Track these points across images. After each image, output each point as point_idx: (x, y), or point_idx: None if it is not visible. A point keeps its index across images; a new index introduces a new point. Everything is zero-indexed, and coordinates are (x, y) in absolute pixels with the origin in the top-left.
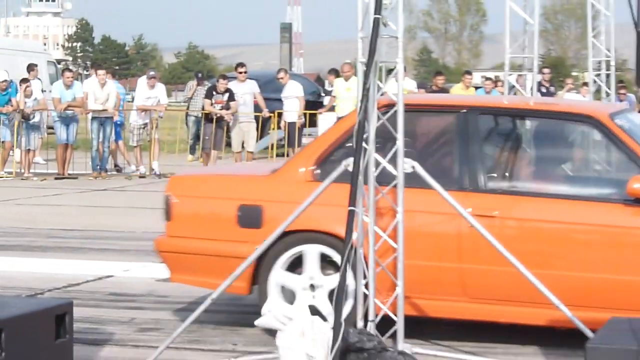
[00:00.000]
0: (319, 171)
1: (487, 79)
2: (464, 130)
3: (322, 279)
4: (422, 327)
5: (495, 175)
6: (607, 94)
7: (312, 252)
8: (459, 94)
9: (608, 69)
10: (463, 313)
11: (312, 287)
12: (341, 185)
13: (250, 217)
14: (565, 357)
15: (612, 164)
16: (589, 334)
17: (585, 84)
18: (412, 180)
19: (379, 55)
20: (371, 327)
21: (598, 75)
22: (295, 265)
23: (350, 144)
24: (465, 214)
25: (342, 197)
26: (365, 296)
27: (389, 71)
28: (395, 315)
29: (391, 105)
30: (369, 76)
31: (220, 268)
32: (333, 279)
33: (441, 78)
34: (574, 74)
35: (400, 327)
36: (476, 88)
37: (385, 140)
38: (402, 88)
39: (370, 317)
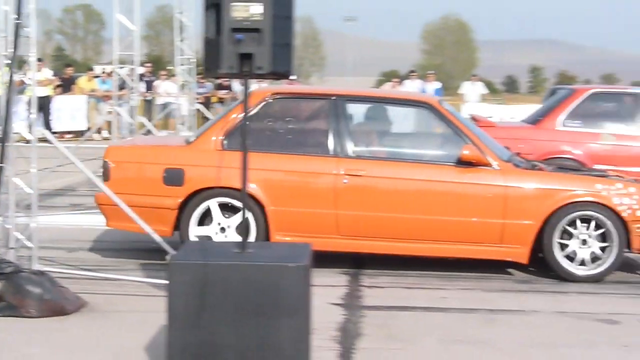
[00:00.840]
0: (225, 142)
1: (104, 72)
2: (334, 113)
3: (227, 221)
4: (60, 253)
5: (361, 145)
6: (191, 82)
7: (214, 204)
8: (85, 83)
9: (192, 64)
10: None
11: (223, 229)
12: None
13: (173, 178)
14: None
15: (444, 137)
16: (171, 251)
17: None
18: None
19: (19, 50)
20: (10, 254)
21: (184, 69)
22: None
23: (249, 122)
24: (91, 175)
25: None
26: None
27: (24, 62)
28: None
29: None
30: (12, 66)
31: (148, 216)
32: (234, 219)
33: (70, 69)
34: (168, 68)
35: (34, 252)
36: (96, 77)
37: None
38: (35, 76)
39: (11, 245)
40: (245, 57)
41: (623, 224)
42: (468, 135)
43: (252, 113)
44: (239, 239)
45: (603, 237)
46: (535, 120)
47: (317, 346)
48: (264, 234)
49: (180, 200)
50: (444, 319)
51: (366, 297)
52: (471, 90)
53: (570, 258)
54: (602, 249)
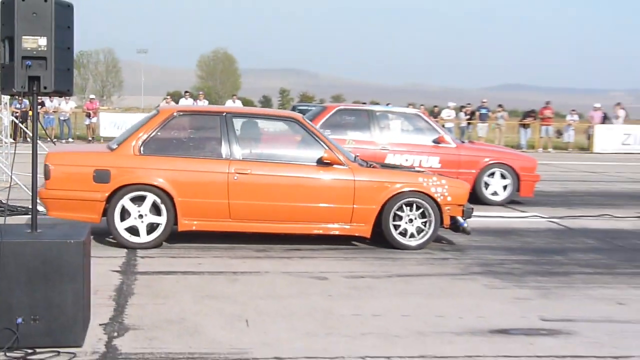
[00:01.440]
0: (142, 148)
1: None
2: (224, 126)
3: (149, 215)
4: None
5: (246, 150)
6: (7, 99)
7: (150, 197)
8: None
9: None
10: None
11: (141, 216)
12: (150, 157)
13: (101, 177)
14: None
15: (307, 144)
16: None
17: None
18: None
19: None
20: None
21: None
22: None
23: (160, 133)
24: None
25: (150, 164)
26: None
27: None
28: None
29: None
30: None
31: (81, 207)
32: (156, 218)
33: None
34: None
35: None
36: None
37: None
38: None
39: None
40: (34, 79)
41: (438, 207)
42: (325, 142)
43: (161, 126)
44: (155, 221)
45: (423, 216)
46: None
47: (97, 304)
48: (174, 219)
49: (107, 194)
50: (199, 280)
51: (139, 265)
52: (233, 106)
53: (402, 233)
54: (424, 225)
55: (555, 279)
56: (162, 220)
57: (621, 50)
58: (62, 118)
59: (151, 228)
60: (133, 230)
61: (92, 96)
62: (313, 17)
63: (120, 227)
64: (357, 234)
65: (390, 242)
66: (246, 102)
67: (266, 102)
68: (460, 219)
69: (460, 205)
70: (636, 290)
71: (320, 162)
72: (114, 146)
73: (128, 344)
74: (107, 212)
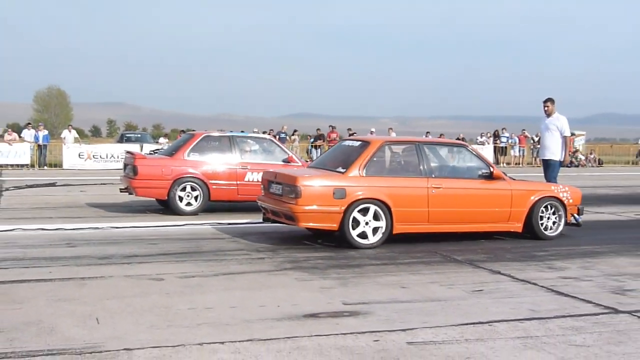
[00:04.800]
0: (364, 171)
1: None
2: (419, 152)
3: (372, 222)
4: None
5: (436, 169)
6: None
7: (372, 208)
8: None
9: None
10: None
11: (367, 223)
12: (371, 178)
13: (339, 193)
14: None
15: (475, 163)
16: None
17: None
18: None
19: None
20: None
21: None
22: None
23: (375, 158)
24: None
25: (373, 183)
26: None
27: None
28: None
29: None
30: None
31: (326, 217)
32: (376, 222)
33: None
34: None
35: None
36: None
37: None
38: None
39: None
40: None
41: (564, 207)
42: (488, 162)
43: (375, 153)
44: (378, 225)
45: (554, 214)
46: (170, 153)
47: None
48: (390, 224)
49: (344, 207)
50: (51, 286)
51: None
52: (68, 135)
53: (544, 226)
54: (556, 219)
55: (352, 270)
56: (382, 224)
57: (388, 85)
58: None
59: (367, 233)
60: (362, 234)
61: None
62: (133, 57)
63: (354, 233)
64: (512, 230)
65: (537, 235)
66: (79, 132)
67: (96, 131)
68: (576, 215)
69: (576, 205)
70: (414, 276)
71: (487, 177)
72: (342, 170)
73: None
74: (342, 220)
